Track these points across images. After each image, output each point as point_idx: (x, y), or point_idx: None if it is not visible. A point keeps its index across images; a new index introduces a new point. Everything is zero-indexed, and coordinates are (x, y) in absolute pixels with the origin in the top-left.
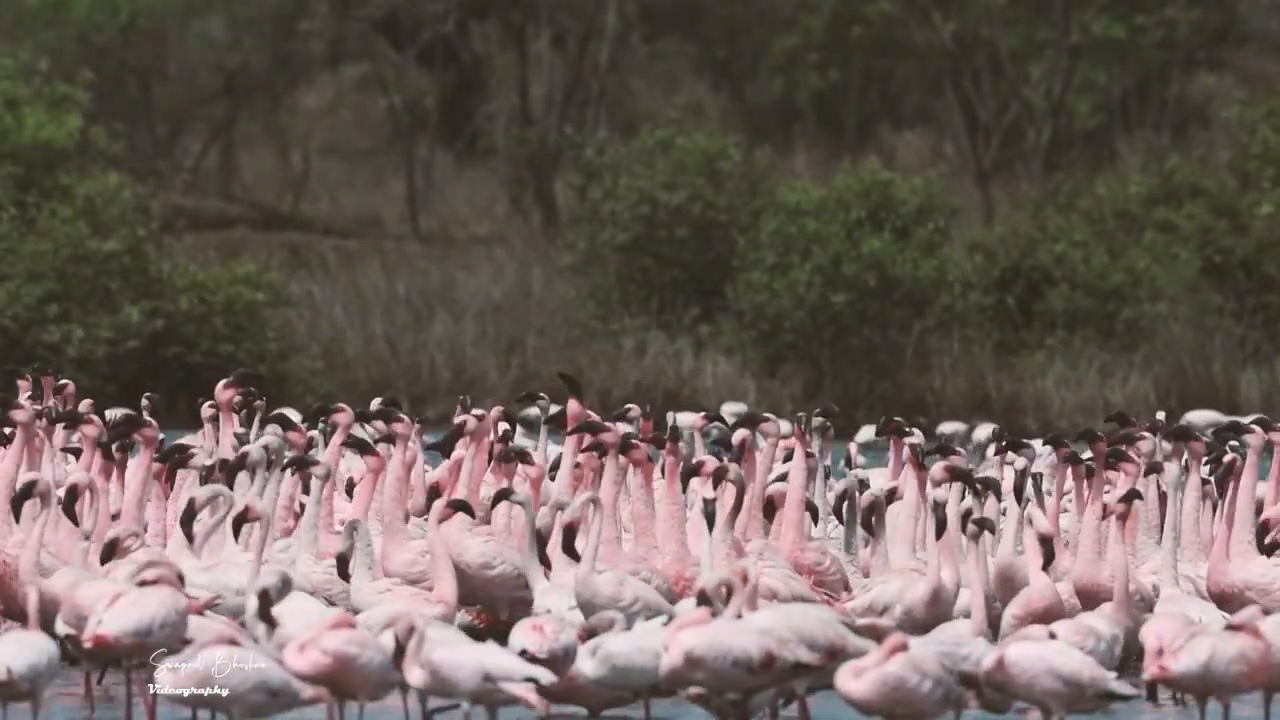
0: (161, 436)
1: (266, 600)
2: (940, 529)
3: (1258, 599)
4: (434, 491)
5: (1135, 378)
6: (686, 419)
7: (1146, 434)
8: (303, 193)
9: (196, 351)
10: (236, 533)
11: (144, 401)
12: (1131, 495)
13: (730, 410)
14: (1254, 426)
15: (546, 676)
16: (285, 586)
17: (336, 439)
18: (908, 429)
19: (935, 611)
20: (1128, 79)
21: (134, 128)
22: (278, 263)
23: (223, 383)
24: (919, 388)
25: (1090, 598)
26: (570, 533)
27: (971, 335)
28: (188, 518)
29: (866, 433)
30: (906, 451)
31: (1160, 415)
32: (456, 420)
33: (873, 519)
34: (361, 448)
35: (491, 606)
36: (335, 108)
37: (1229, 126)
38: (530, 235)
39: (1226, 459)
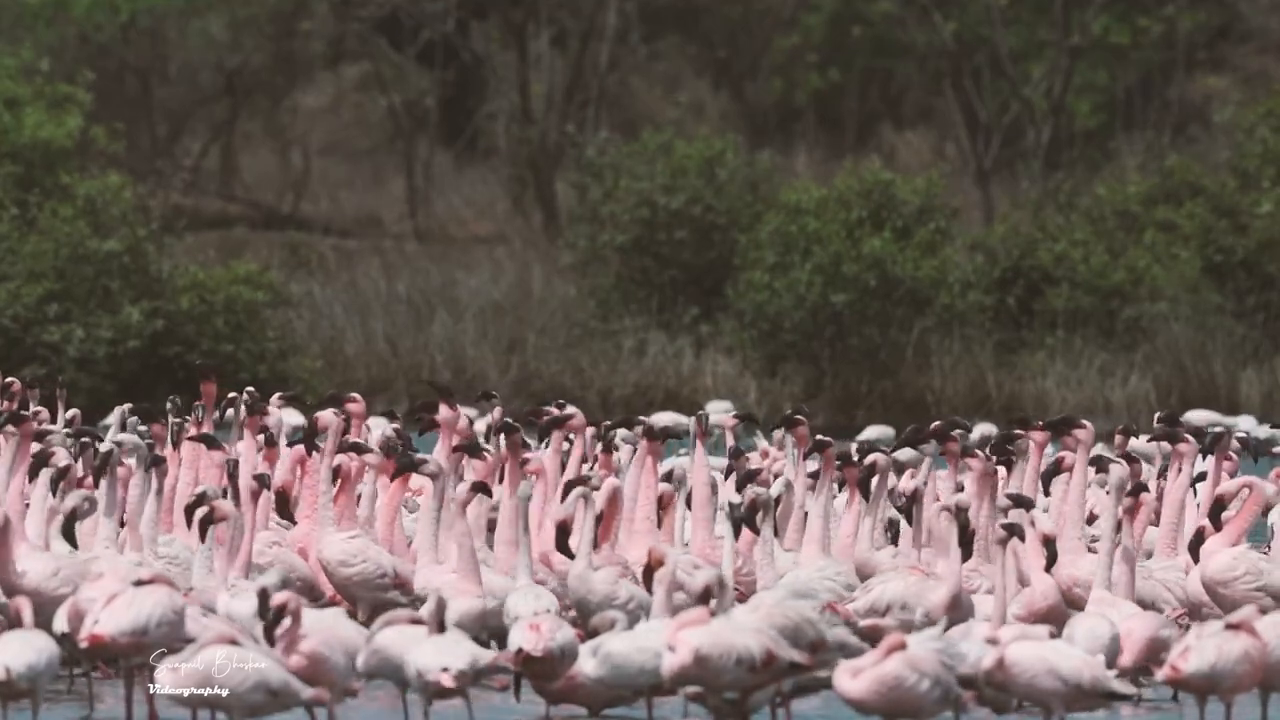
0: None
1: (266, 599)
2: (963, 535)
3: (1085, 596)
4: (281, 495)
5: (1135, 377)
6: (720, 418)
7: (1031, 433)
8: (303, 193)
9: (196, 351)
10: (203, 533)
11: (168, 404)
12: (1139, 489)
13: (716, 409)
14: (1084, 422)
15: (457, 665)
16: (284, 587)
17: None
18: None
19: (956, 617)
20: (1128, 79)
21: (134, 128)
22: (278, 262)
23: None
24: (919, 387)
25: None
26: (564, 530)
27: (972, 335)
28: (69, 526)
29: (871, 433)
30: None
31: (1159, 416)
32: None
33: (757, 517)
34: (208, 442)
35: (354, 606)
36: (335, 108)
37: (1226, 127)
38: (530, 235)
39: (1056, 455)
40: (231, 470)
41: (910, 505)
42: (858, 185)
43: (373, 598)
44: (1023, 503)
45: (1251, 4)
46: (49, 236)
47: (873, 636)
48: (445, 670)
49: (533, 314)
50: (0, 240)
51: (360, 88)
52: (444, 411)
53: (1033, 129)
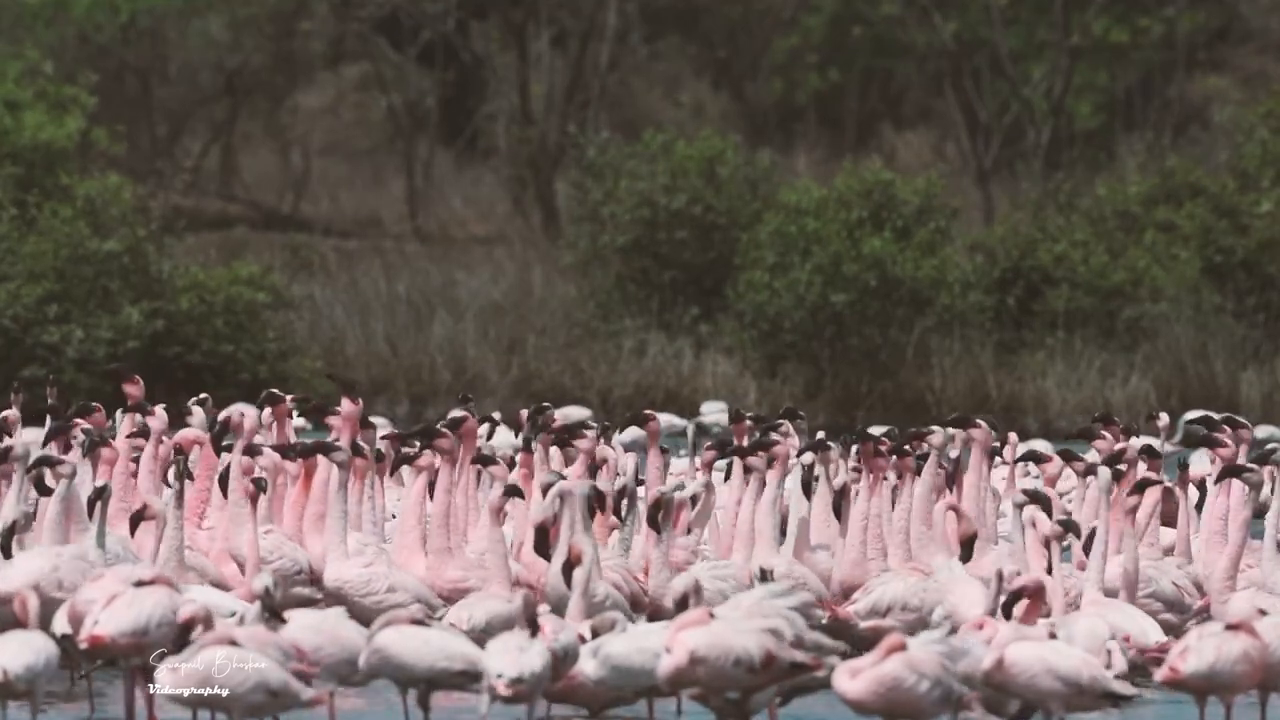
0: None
1: (270, 599)
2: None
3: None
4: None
5: (1135, 378)
6: (724, 419)
7: (937, 429)
8: (303, 193)
9: (196, 352)
10: (133, 530)
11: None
12: (1144, 484)
13: (711, 409)
14: (980, 421)
15: (510, 673)
16: (280, 589)
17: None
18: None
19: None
20: (1128, 79)
21: (134, 128)
22: (278, 263)
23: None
24: (919, 387)
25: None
26: (542, 532)
27: (972, 335)
28: (7, 539)
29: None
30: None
31: (1162, 416)
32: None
33: (659, 516)
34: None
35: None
36: (335, 108)
37: (1226, 128)
38: (530, 235)
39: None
40: (184, 471)
41: (839, 501)
42: (858, 185)
43: (292, 594)
44: (1038, 499)
45: (1251, 4)
46: (49, 237)
47: (873, 638)
48: (500, 677)
49: (533, 314)
50: (0, 240)
51: (360, 88)
52: (347, 406)
53: (1033, 129)
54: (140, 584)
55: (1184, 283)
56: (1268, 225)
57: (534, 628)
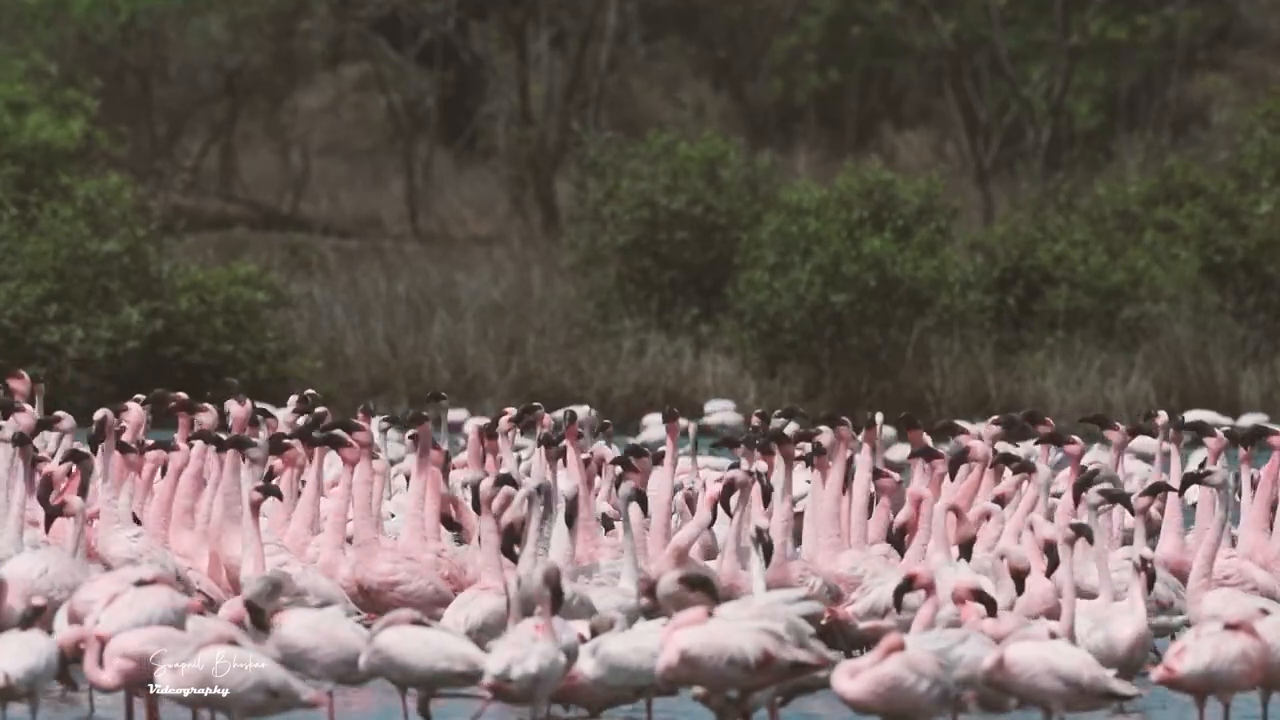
0: None
1: (256, 609)
2: (1051, 568)
3: (848, 591)
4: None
5: (1135, 378)
6: (730, 417)
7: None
8: (303, 193)
9: (196, 352)
10: (48, 526)
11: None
12: (1157, 488)
13: (715, 408)
14: (845, 419)
15: (492, 670)
16: (275, 590)
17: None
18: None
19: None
20: (1128, 79)
21: (134, 128)
22: (278, 263)
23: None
24: (919, 387)
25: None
26: (511, 533)
27: (971, 335)
28: None
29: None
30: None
31: (1162, 415)
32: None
33: (573, 515)
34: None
35: None
36: (335, 108)
37: (1226, 128)
38: (530, 235)
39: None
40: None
41: (726, 495)
42: (858, 185)
43: None
44: (1116, 498)
45: (1251, 4)
46: (49, 237)
47: (872, 638)
48: (487, 675)
49: (533, 314)
50: (0, 240)
51: (360, 88)
52: (234, 408)
53: (1032, 129)
54: (141, 584)
55: (1184, 283)
56: (1267, 225)
57: (557, 597)
